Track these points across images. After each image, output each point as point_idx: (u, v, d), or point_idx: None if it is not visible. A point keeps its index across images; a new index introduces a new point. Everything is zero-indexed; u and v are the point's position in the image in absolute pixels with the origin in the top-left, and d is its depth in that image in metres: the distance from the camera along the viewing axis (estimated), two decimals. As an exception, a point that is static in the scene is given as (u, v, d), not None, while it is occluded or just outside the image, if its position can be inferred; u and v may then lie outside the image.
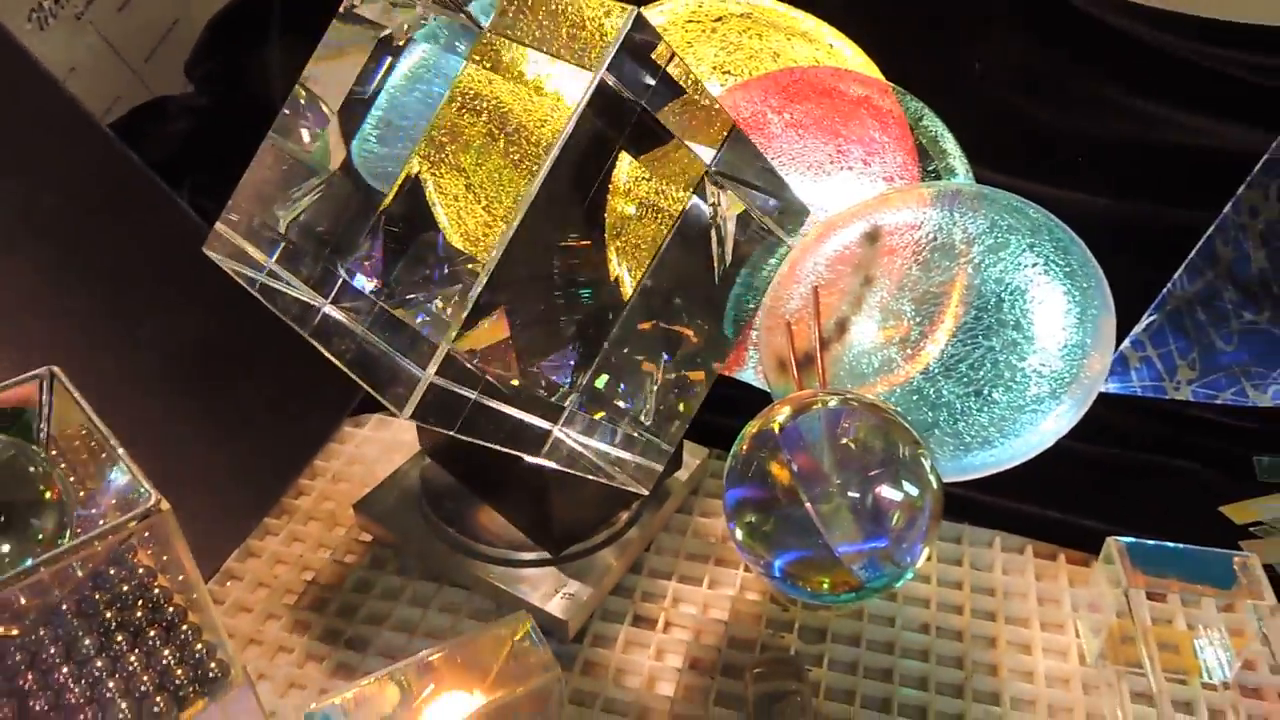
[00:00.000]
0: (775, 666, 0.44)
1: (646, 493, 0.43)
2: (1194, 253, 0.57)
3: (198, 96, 0.79)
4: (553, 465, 0.38)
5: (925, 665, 0.46)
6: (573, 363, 0.37)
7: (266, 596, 0.50)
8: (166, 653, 0.37)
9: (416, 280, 0.35)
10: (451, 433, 0.34)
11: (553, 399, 0.37)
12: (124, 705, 0.35)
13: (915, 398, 0.56)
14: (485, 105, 0.36)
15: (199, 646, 0.37)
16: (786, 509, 0.41)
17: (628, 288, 0.38)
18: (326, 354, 0.36)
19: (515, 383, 0.35)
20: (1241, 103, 0.61)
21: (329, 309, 0.36)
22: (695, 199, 0.39)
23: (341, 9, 0.38)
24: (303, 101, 0.39)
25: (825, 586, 0.42)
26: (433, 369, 0.32)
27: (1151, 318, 0.58)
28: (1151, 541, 0.44)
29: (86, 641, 0.36)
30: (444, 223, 0.36)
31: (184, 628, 0.37)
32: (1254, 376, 0.57)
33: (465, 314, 0.32)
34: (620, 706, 0.45)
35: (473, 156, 0.36)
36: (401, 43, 0.38)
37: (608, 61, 0.32)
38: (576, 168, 0.33)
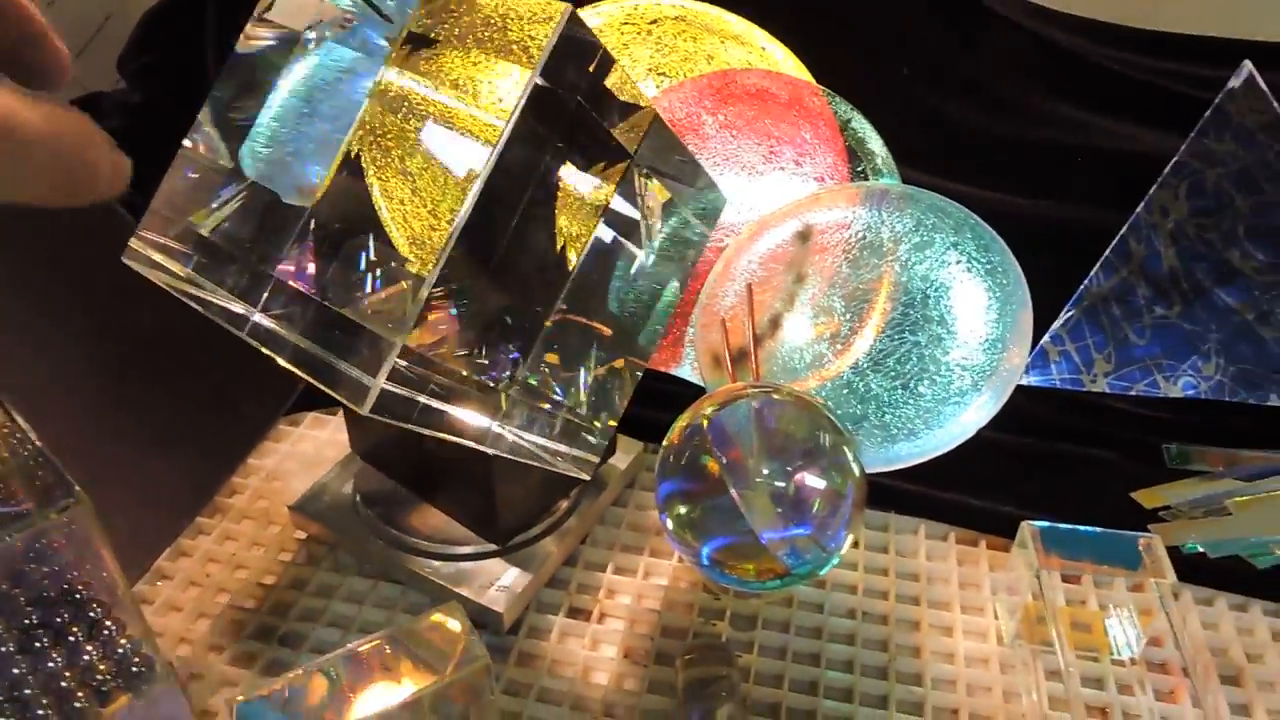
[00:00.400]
0: (705, 652, 0.45)
1: (588, 478, 0.43)
2: (1109, 251, 0.59)
3: (131, 93, 0.78)
4: (496, 453, 0.39)
5: (851, 649, 0.48)
6: (512, 356, 0.38)
7: (198, 595, 0.50)
8: (90, 649, 0.36)
9: (350, 284, 0.35)
10: (407, 425, 0.34)
11: (495, 389, 0.38)
12: (45, 702, 0.35)
13: (845, 391, 0.57)
14: (431, 110, 0.36)
15: (123, 642, 0.37)
16: (714, 498, 0.42)
17: (561, 280, 0.39)
18: (270, 354, 0.36)
19: (465, 373, 0.36)
20: (1153, 107, 0.64)
21: (259, 317, 0.36)
22: (621, 191, 0.39)
23: (255, 13, 0.38)
24: (212, 111, 0.39)
25: (752, 573, 0.43)
26: (383, 376, 0.32)
27: (1069, 313, 0.60)
28: (1064, 525, 0.46)
29: (8, 641, 0.36)
30: (390, 226, 0.36)
31: (107, 624, 0.37)
32: (1165, 368, 0.60)
33: (413, 318, 0.32)
34: (554, 696, 0.46)
35: (420, 160, 0.36)
36: (313, 48, 0.38)
37: (543, 63, 0.32)
38: (518, 168, 0.34)
